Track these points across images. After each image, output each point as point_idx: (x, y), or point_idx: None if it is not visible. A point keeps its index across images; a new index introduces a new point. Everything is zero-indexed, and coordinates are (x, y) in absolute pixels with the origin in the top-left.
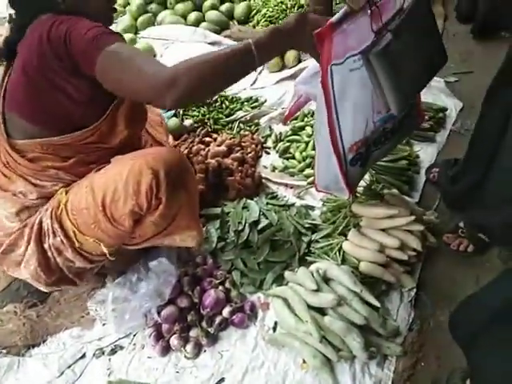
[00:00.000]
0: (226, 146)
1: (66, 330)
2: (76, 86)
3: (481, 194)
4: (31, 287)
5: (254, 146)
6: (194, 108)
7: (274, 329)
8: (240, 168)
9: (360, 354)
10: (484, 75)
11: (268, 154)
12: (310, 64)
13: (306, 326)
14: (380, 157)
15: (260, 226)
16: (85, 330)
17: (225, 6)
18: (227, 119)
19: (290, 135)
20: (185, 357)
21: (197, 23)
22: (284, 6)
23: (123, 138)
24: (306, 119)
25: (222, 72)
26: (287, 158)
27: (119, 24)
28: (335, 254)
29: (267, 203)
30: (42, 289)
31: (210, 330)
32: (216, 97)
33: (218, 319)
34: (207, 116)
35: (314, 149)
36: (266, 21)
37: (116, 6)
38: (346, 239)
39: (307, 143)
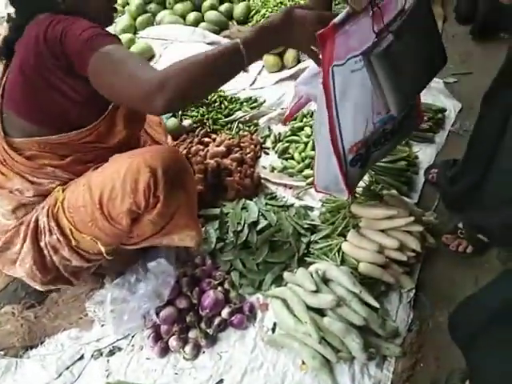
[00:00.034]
0: (225, 147)
1: (64, 331)
2: (72, 85)
3: (479, 195)
4: (29, 288)
5: (252, 146)
6: (192, 108)
7: (273, 330)
8: (239, 168)
9: (359, 355)
10: (483, 76)
11: (267, 154)
12: (311, 64)
13: (305, 327)
14: (379, 157)
15: (259, 227)
16: (83, 331)
17: (224, 6)
18: (226, 119)
19: (289, 136)
20: (184, 358)
21: (196, 23)
22: (283, 7)
23: (121, 138)
24: (304, 120)
25: (212, 72)
26: (286, 159)
27: (118, 24)
28: (334, 254)
29: (266, 204)
30: (38, 287)
31: (208, 331)
32: (215, 97)
33: (216, 320)
34: (206, 116)
35: (313, 149)
36: None
37: (115, 6)
38: (345, 240)
39: (306, 144)
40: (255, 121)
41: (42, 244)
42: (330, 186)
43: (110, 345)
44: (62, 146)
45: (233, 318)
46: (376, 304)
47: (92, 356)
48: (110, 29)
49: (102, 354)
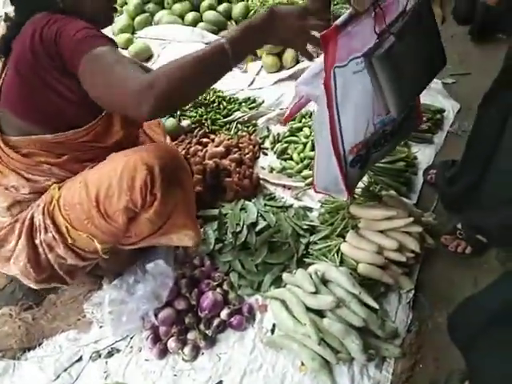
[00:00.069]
0: (224, 147)
1: (62, 332)
2: (68, 85)
3: (477, 195)
4: (27, 290)
5: (251, 146)
6: (191, 108)
7: (273, 331)
8: (238, 169)
9: (359, 356)
10: (481, 77)
11: (266, 155)
12: (311, 64)
13: (304, 328)
14: (379, 158)
15: (258, 228)
16: (81, 333)
17: (222, 6)
18: (225, 120)
19: (288, 136)
20: (182, 359)
21: (194, 23)
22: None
23: (119, 138)
24: (303, 120)
25: (198, 74)
26: (285, 159)
27: (116, 23)
28: (333, 255)
29: (265, 204)
30: (32, 286)
31: (207, 332)
32: (214, 97)
33: (215, 321)
34: (205, 117)
35: (311, 150)
36: None
37: (115, 6)
38: (344, 241)
39: (305, 144)
40: (254, 121)
41: (37, 242)
42: (329, 186)
43: (109, 346)
44: (59, 145)
45: (232, 319)
46: (375, 305)
47: (90, 358)
48: (109, 28)
49: (100, 356)
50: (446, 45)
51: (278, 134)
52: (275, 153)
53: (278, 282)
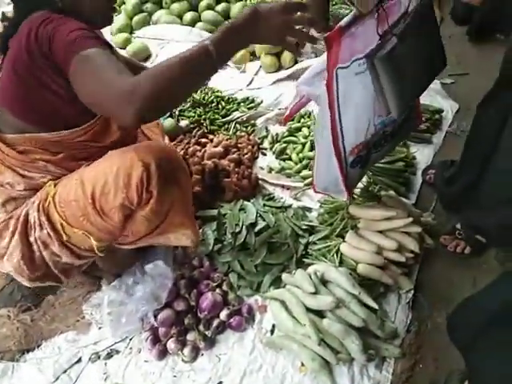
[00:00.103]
0: (223, 147)
1: (61, 334)
2: (62, 85)
3: (476, 195)
4: (25, 291)
5: (250, 147)
6: (189, 108)
7: (272, 331)
8: (236, 169)
9: (358, 357)
10: (480, 77)
11: (264, 155)
12: (314, 63)
13: (304, 329)
14: (378, 158)
15: (257, 228)
16: (80, 334)
17: (221, 6)
18: (223, 120)
19: (287, 136)
20: (182, 360)
21: (193, 23)
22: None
23: (116, 138)
24: (302, 120)
25: (183, 77)
26: (284, 159)
27: (114, 23)
28: (333, 255)
29: (264, 205)
30: (26, 283)
31: (207, 333)
32: (212, 97)
33: (215, 322)
34: (203, 117)
35: (310, 150)
36: None
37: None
38: (344, 241)
39: (304, 144)
40: (252, 121)
41: (32, 239)
42: (329, 186)
43: (108, 348)
44: (55, 144)
45: (231, 320)
46: (375, 305)
47: (90, 359)
48: (107, 28)
49: (99, 357)
50: (444, 45)
51: (277, 134)
52: (274, 153)
53: (277, 282)
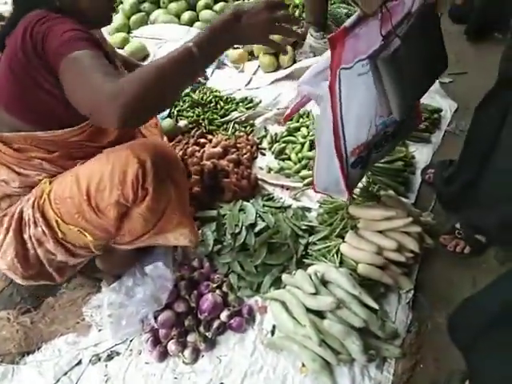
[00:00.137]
0: (222, 148)
1: (61, 336)
2: (56, 84)
3: (475, 194)
4: (25, 293)
5: (249, 147)
6: (188, 109)
7: (273, 332)
8: (236, 170)
9: (359, 357)
10: (478, 76)
11: (263, 155)
12: (314, 62)
13: (304, 330)
14: (378, 158)
15: (257, 229)
16: (80, 336)
17: (219, 6)
18: (222, 120)
19: (286, 136)
20: (183, 362)
21: (190, 23)
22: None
23: (113, 138)
24: (301, 120)
25: (167, 79)
26: (283, 159)
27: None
28: (333, 256)
29: (264, 205)
30: (19, 281)
31: (207, 334)
32: (210, 97)
33: (215, 323)
34: (202, 117)
35: (309, 150)
36: None
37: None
38: (344, 241)
39: (303, 144)
40: (251, 121)
41: (26, 236)
42: (329, 187)
43: (108, 349)
44: (51, 143)
45: (232, 321)
46: (375, 306)
47: (90, 361)
48: (105, 28)
49: (100, 359)
50: None
51: (276, 134)
52: (273, 153)
53: (277, 283)
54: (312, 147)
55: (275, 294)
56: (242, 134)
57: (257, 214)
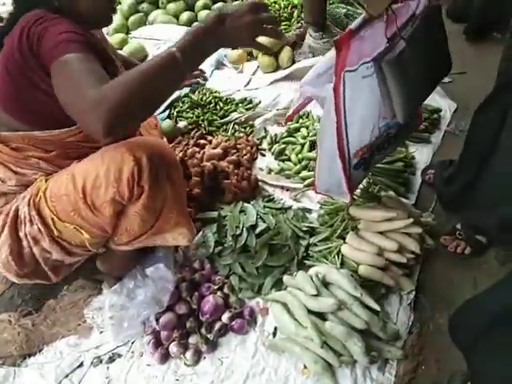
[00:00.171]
0: (222, 149)
1: (63, 338)
2: (51, 85)
3: (473, 195)
4: (26, 295)
5: (249, 148)
6: (187, 110)
7: (274, 334)
8: (236, 171)
9: (361, 359)
10: (477, 76)
11: (263, 156)
12: (316, 62)
13: (306, 331)
14: (380, 160)
15: (258, 230)
16: (82, 339)
17: (217, 6)
18: (222, 121)
19: (286, 137)
20: (184, 364)
21: (189, 23)
22: (277, 6)
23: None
24: (300, 121)
25: (150, 85)
26: (283, 160)
27: None
28: (334, 257)
29: (264, 206)
30: (14, 280)
31: (209, 336)
32: (210, 98)
33: (217, 325)
34: (201, 118)
35: (309, 150)
36: None
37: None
38: (345, 242)
39: (303, 145)
40: (251, 122)
41: (21, 234)
42: (331, 188)
43: (110, 351)
44: (48, 142)
45: (233, 322)
46: (377, 307)
47: (91, 363)
48: (104, 29)
49: (101, 361)
50: None
51: (276, 135)
52: (273, 154)
53: (278, 284)
54: (312, 148)
55: (276, 296)
56: (241, 134)
57: (257, 215)
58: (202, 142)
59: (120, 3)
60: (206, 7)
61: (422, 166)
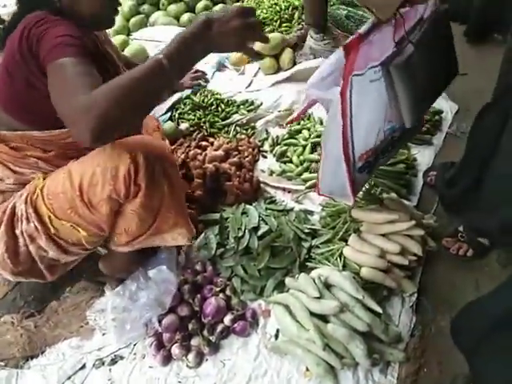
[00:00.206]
0: (224, 151)
1: (65, 340)
2: None
3: (475, 197)
4: (28, 297)
5: (250, 149)
6: (189, 111)
7: (276, 336)
8: (238, 173)
9: (363, 361)
10: (478, 78)
11: (265, 157)
12: (318, 65)
13: (308, 334)
14: (384, 163)
15: (260, 232)
16: (84, 340)
17: (218, 8)
18: (223, 123)
19: (287, 138)
20: (187, 366)
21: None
22: (278, 8)
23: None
24: (302, 122)
25: (137, 93)
26: (284, 162)
27: None
28: (336, 259)
29: (266, 208)
30: (8, 277)
31: (211, 338)
32: (211, 100)
33: (219, 327)
34: (203, 119)
35: (311, 152)
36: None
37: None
38: (347, 244)
39: (304, 147)
40: (252, 124)
41: (18, 232)
42: (335, 191)
43: (112, 353)
44: (47, 142)
45: (235, 324)
46: (379, 309)
47: (94, 365)
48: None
49: (103, 363)
50: None
51: (277, 137)
52: (274, 155)
53: (280, 286)
54: (314, 150)
55: (279, 298)
56: (243, 136)
57: (259, 217)
58: (204, 143)
59: (120, 5)
60: (206, 8)
61: (424, 168)
